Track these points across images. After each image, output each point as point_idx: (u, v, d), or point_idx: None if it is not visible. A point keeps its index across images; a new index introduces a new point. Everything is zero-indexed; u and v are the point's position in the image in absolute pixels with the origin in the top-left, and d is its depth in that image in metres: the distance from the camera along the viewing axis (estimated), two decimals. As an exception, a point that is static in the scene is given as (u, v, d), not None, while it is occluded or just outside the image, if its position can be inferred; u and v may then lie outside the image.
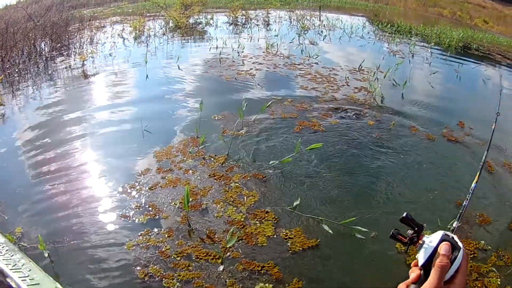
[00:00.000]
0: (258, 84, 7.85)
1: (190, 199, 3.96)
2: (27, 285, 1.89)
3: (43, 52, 10.68)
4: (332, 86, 7.87)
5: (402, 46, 12.22)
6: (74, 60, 9.93)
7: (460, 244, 0.92)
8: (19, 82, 8.46)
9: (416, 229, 0.99)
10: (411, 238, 0.99)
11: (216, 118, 6.19)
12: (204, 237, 3.72)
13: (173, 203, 4.16)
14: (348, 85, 8.01)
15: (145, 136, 5.55)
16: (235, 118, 5.95)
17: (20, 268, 1.99)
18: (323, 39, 13.02)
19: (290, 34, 13.56)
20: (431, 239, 0.94)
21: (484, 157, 2.10)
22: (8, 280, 1.89)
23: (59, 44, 11.27)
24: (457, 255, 0.90)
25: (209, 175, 4.65)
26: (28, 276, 1.96)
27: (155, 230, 3.78)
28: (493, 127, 2.64)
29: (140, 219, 3.92)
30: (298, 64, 9.43)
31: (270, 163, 4.79)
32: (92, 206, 4.14)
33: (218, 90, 7.62)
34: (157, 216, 3.97)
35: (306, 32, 13.92)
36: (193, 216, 3.99)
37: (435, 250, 0.91)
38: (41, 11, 13.03)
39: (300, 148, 4.63)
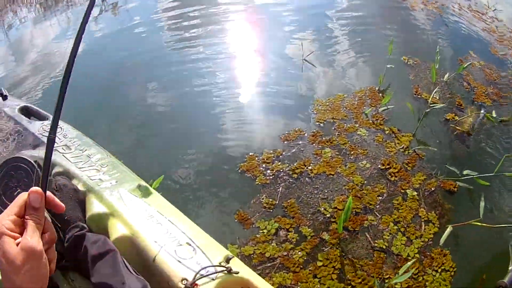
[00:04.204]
0: (446, 25, 5.61)
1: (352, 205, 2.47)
2: (99, 185, 1.56)
3: None
4: (519, 56, 5.48)
5: None
6: None
7: None
8: None
9: None
10: None
11: (407, 62, 4.30)
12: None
13: (323, 207, 2.68)
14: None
15: (303, 69, 3.91)
16: (429, 68, 4.09)
17: (94, 165, 1.67)
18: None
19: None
20: None
21: None
22: (75, 181, 1.58)
23: None
24: None
25: (383, 166, 3.03)
26: (103, 173, 1.62)
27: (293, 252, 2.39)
28: None
29: (270, 228, 2.52)
30: (482, 14, 6.84)
31: (464, 173, 2.98)
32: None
33: (407, 18, 5.50)
34: (294, 229, 2.55)
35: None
36: (347, 237, 2.53)
37: None
38: None
39: None
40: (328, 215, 2.62)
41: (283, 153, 2.98)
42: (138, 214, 1.48)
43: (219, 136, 3.12)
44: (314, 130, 3.16)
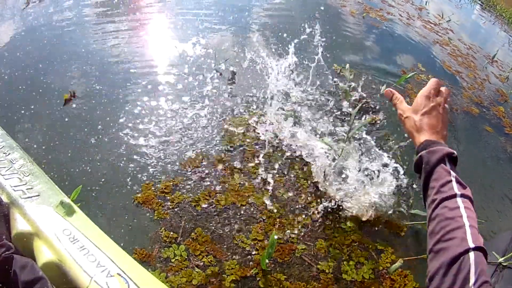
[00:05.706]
0: (390, 35, 5.33)
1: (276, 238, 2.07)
2: (22, 198, 1.40)
3: None
4: (475, 76, 5.23)
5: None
6: None
7: None
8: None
9: None
10: None
11: (340, 72, 3.93)
12: None
13: (239, 239, 2.22)
14: (490, 82, 5.32)
15: (214, 82, 3.42)
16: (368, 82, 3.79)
17: (16, 173, 1.49)
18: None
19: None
20: None
21: None
22: None
23: None
24: None
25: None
26: (25, 184, 1.45)
27: None
28: None
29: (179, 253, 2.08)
30: (434, 25, 6.69)
31: (412, 212, 2.57)
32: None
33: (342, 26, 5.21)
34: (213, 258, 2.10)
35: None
36: (280, 267, 2.16)
37: None
38: None
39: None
40: (248, 248, 2.21)
41: (184, 181, 2.48)
42: (63, 236, 1.36)
43: (112, 162, 2.55)
44: (222, 154, 2.67)
